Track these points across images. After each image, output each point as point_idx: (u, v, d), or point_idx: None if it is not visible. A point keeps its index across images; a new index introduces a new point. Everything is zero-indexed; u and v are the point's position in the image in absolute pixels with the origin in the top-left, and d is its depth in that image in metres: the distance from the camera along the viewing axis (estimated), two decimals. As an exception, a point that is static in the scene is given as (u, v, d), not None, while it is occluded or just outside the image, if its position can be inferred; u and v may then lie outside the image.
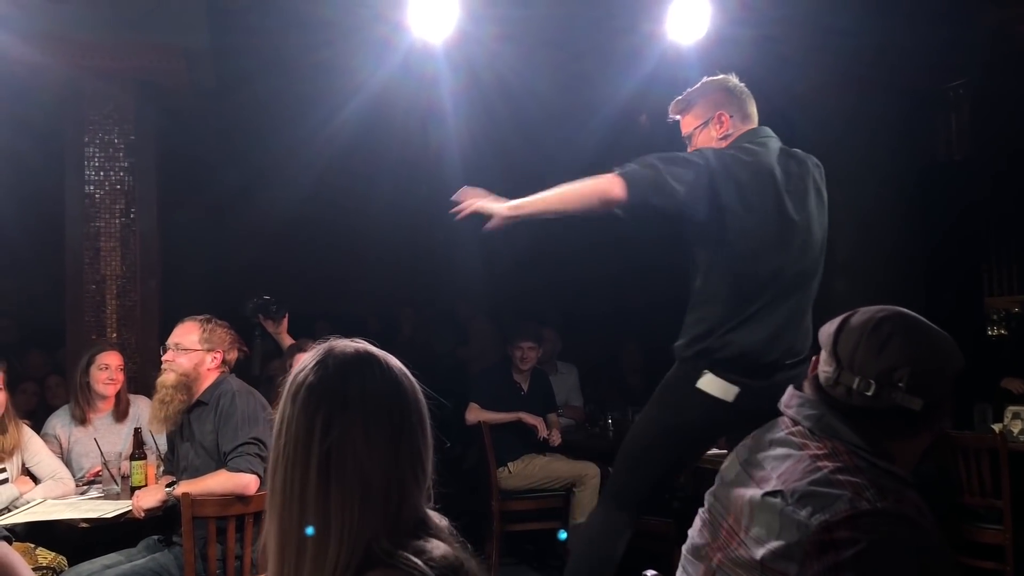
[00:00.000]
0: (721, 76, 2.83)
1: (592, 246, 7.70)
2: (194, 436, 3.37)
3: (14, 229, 6.49)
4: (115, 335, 4.69)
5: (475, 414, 5.15)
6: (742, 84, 2.83)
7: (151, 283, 4.82)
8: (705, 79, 2.85)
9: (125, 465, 3.64)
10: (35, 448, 3.66)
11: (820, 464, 1.40)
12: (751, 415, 1.84)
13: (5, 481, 3.52)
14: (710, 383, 2.62)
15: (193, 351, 3.38)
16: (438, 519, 1.25)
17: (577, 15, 5.18)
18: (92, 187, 4.77)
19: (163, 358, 3.41)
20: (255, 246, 7.25)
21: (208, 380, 3.40)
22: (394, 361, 1.26)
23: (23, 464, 3.63)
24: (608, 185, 2.56)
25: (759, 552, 1.38)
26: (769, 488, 1.42)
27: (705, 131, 2.80)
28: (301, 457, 1.17)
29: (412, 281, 7.99)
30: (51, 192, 5.08)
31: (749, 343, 2.58)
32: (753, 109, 2.83)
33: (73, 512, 3.28)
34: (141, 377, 4.63)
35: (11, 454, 3.57)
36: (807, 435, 1.47)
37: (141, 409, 4.13)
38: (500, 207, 2.78)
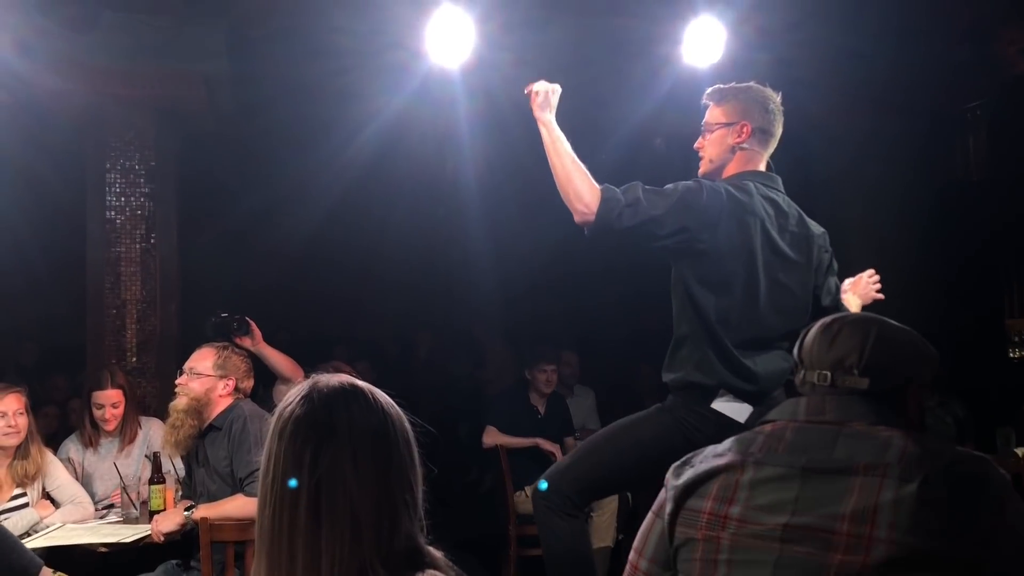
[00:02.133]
0: (768, 91, 2.83)
1: (607, 269, 7.71)
2: (208, 461, 3.38)
3: (36, 254, 6.57)
4: (135, 359, 4.73)
5: (492, 438, 5.13)
6: (780, 106, 2.83)
7: (171, 307, 4.87)
8: (753, 83, 2.84)
9: (144, 489, 3.66)
10: (56, 472, 3.69)
11: (924, 445, 1.43)
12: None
13: (26, 506, 3.54)
14: (725, 404, 2.63)
15: (206, 376, 3.40)
16: (433, 549, 1.24)
17: (592, 40, 5.22)
18: (113, 212, 4.82)
19: (176, 382, 3.44)
20: (274, 270, 7.30)
21: (220, 406, 3.41)
22: (380, 393, 1.27)
23: (43, 488, 3.65)
24: (589, 190, 2.59)
25: (934, 543, 1.34)
26: (901, 476, 1.38)
27: (723, 131, 2.79)
28: (290, 491, 1.17)
29: (429, 303, 8.01)
30: (72, 217, 5.14)
31: (741, 385, 2.62)
32: (778, 133, 2.83)
33: (92, 536, 3.29)
34: (161, 401, 4.66)
35: (34, 479, 3.60)
36: (871, 427, 1.50)
37: (154, 432, 4.16)
38: (543, 107, 2.89)
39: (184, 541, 3.29)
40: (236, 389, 3.45)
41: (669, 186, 2.61)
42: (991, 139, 6.42)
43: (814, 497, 1.43)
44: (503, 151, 6.45)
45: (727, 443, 1.60)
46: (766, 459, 1.51)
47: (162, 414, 4.40)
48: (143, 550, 3.28)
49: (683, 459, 1.65)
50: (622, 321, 7.95)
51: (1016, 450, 4.26)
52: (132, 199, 4.84)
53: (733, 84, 2.84)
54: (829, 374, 1.57)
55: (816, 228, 2.83)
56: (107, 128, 4.85)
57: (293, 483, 1.18)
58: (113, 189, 4.83)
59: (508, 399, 5.43)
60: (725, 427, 2.57)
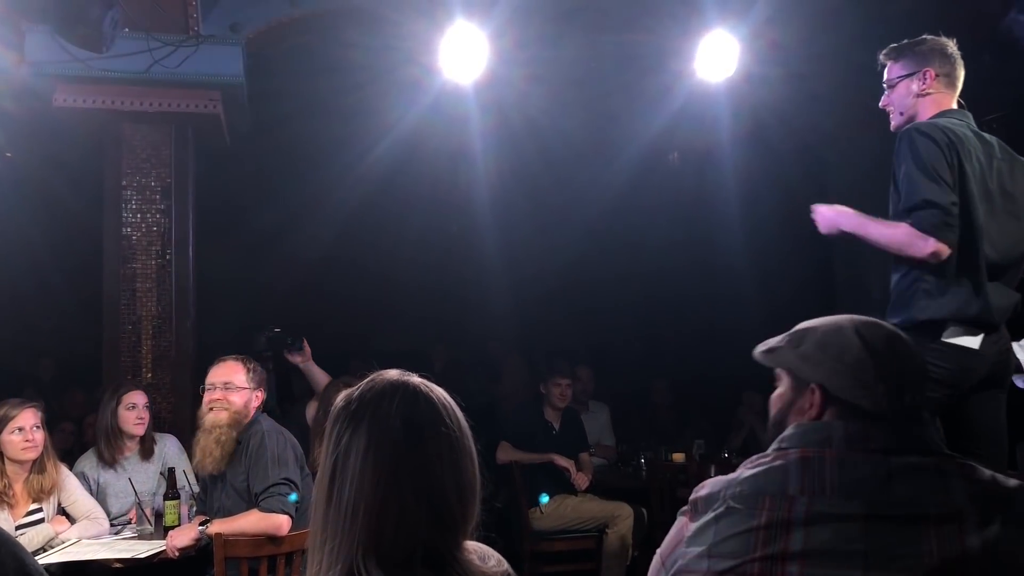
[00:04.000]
0: (942, 39, 2.92)
1: (622, 284, 7.70)
2: (225, 476, 3.38)
3: (53, 270, 6.62)
4: (150, 375, 4.74)
5: (507, 453, 5.11)
6: (958, 52, 2.91)
7: (186, 324, 4.88)
8: (925, 36, 2.93)
9: (160, 503, 3.67)
10: (71, 488, 3.69)
11: (981, 477, 1.37)
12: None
13: (41, 521, 3.54)
14: (956, 337, 2.67)
15: (243, 389, 3.42)
16: (479, 563, 1.23)
17: (605, 55, 5.23)
18: (129, 229, 4.84)
19: (212, 397, 3.40)
20: (289, 285, 7.33)
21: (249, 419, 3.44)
22: (434, 392, 1.28)
23: (59, 504, 3.66)
24: (914, 238, 2.62)
25: None
26: (980, 521, 1.31)
27: (906, 82, 2.90)
28: (321, 472, 1.24)
29: (443, 318, 8.02)
30: (89, 233, 5.17)
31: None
32: (961, 77, 2.91)
33: (107, 552, 3.29)
34: (175, 417, 4.67)
35: (49, 494, 3.60)
36: (923, 458, 1.40)
37: (169, 448, 4.17)
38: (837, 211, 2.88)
39: (199, 556, 3.28)
40: (262, 402, 3.49)
41: (909, 164, 2.66)
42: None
43: (886, 550, 1.30)
44: (516, 166, 6.46)
45: (753, 481, 1.44)
46: (814, 506, 1.36)
47: (175, 430, 4.43)
48: (158, 566, 3.28)
49: (699, 496, 1.49)
50: (636, 336, 7.94)
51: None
52: (148, 216, 4.87)
53: (907, 40, 2.94)
54: (878, 398, 1.45)
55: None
56: (123, 145, 4.89)
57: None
58: (129, 206, 4.86)
59: (522, 414, 5.41)
60: (963, 357, 2.65)
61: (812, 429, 1.46)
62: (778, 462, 1.43)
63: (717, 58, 4.81)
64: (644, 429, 6.44)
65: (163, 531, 3.47)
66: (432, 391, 1.28)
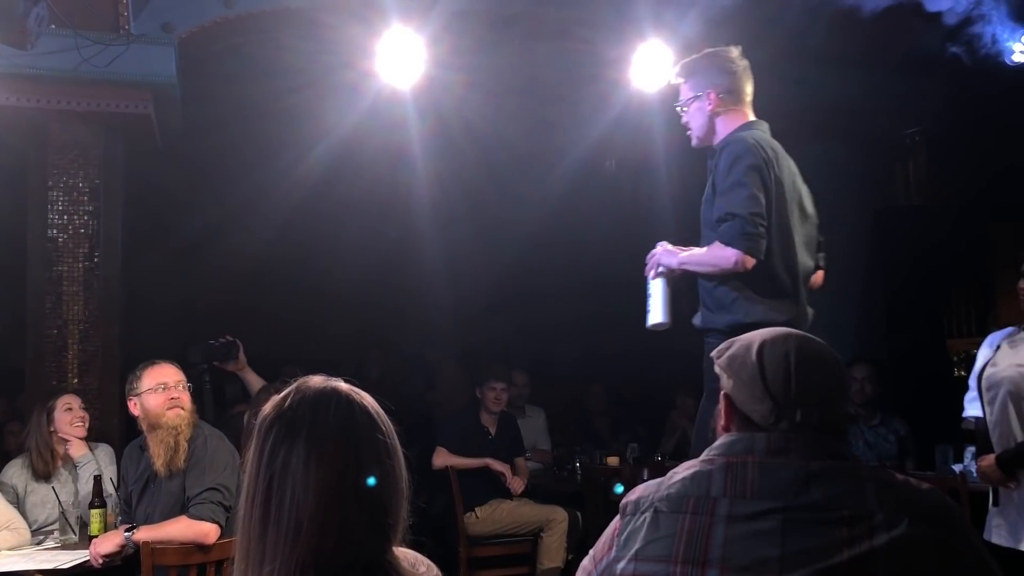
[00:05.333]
0: (725, 51, 2.94)
1: (561, 291, 7.75)
2: (160, 481, 3.32)
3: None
4: (76, 380, 4.61)
5: (442, 459, 5.11)
6: (743, 61, 2.94)
7: (113, 328, 4.77)
8: (707, 50, 2.96)
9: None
10: (-11, 498, 3.58)
11: (890, 482, 1.43)
12: None
13: (-42, 532, 3.43)
14: None
15: (188, 392, 3.40)
16: (410, 570, 1.23)
17: (543, 63, 5.28)
18: (55, 231, 4.72)
19: (171, 396, 3.34)
20: (222, 289, 7.20)
21: None
22: (365, 399, 1.26)
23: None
24: (726, 256, 2.71)
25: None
26: (889, 522, 1.36)
27: (696, 104, 2.94)
28: (250, 487, 1.19)
29: (380, 324, 7.96)
30: (15, 235, 5.02)
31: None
32: (747, 85, 2.94)
33: (28, 563, 3.20)
34: (103, 424, 4.55)
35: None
36: (837, 463, 1.46)
37: (101, 457, 4.06)
38: (657, 268, 2.96)
39: (124, 565, 3.20)
40: None
41: (724, 178, 2.74)
42: (929, 164, 6.60)
43: (801, 551, 1.36)
44: (456, 171, 6.47)
45: (680, 486, 1.48)
46: (735, 508, 1.41)
47: (102, 437, 4.32)
48: (81, 576, 3.19)
49: (629, 500, 1.54)
50: (575, 341, 7.99)
51: (954, 467, 4.36)
52: (75, 217, 4.74)
53: (693, 56, 2.97)
54: (766, 413, 1.49)
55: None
56: (50, 145, 4.75)
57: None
58: (55, 207, 4.73)
59: (458, 420, 5.42)
60: None
61: (738, 440, 1.53)
62: (705, 467, 1.49)
63: (652, 68, 4.89)
64: (579, 433, 6.49)
65: (88, 540, 3.38)
66: (363, 398, 1.27)
